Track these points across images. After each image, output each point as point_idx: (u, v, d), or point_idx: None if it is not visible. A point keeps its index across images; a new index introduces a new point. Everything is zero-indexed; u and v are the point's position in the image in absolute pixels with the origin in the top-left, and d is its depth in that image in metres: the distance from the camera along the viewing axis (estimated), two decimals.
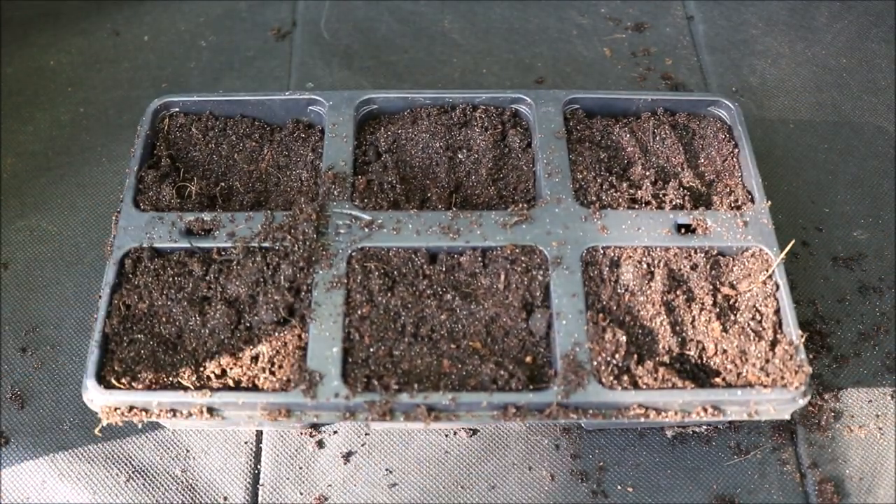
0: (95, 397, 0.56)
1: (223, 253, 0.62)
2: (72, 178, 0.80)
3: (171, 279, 0.61)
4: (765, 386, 0.57)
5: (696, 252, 0.63)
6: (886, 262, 0.74)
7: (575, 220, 0.63)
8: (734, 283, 0.62)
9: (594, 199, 0.66)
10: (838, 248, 0.75)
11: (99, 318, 0.59)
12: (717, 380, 0.58)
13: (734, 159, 0.69)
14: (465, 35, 0.92)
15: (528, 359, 0.59)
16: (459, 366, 0.58)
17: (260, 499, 0.62)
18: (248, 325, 0.60)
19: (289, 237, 0.62)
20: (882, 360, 0.68)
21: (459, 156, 0.70)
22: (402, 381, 0.56)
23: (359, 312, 0.59)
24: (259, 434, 0.65)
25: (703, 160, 0.70)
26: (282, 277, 0.60)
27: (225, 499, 0.62)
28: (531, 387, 0.57)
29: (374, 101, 0.72)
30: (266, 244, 0.62)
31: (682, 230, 0.64)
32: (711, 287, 0.62)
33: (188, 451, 0.64)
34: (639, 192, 0.66)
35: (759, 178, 0.66)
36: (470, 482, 0.62)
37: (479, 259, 0.62)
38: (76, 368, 0.68)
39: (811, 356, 0.67)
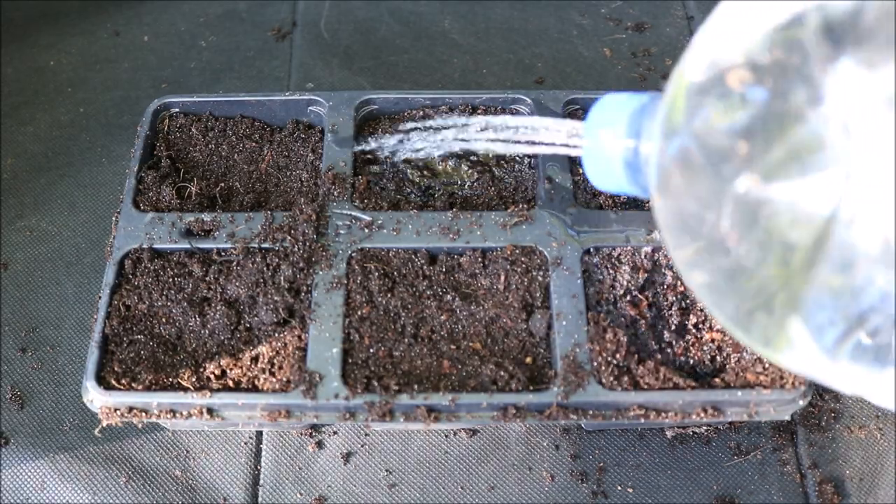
0: (95, 398, 0.56)
1: (223, 253, 0.62)
2: (72, 178, 0.80)
3: (170, 280, 0.61)
4: (765, 387, 0.57)
5: None
6: None
7: (575, 221, 0.63)
8: None
9: (594, 200, 0.66)
10: None
11: (98, 319, 0.59)
12: (717, 380, 0.58)
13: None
14: (465, 35, 0.92)
15: (528, 359, 0.59)
16: (459, 367, 0.58)
17: (260, 499, 0.62)
18: (248, 325, 0.60)
19: (289, 238, 0.62)
20: None
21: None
22: (402, 381, 0.56)
23: (359, 313, 0.59)
24: (259, 435, 0.65)
25: None
26: (282, 278, 0.60)
27: (225, 499, 0.62)
28: (531, 388, 0.57)
29: (373, 102, 0.72)
30: (266, 245, 0.62)
31: None
32: None
33: (188, 451, 0.64)
34: None
35: None
36: (470, 483, 0.62)
37: (479, 260, 0.62)
38: (76, 369, 0.68)
39: None
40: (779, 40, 0.36)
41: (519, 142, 0.55)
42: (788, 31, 0.36)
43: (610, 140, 0.44)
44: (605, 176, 0.46)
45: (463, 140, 0.59)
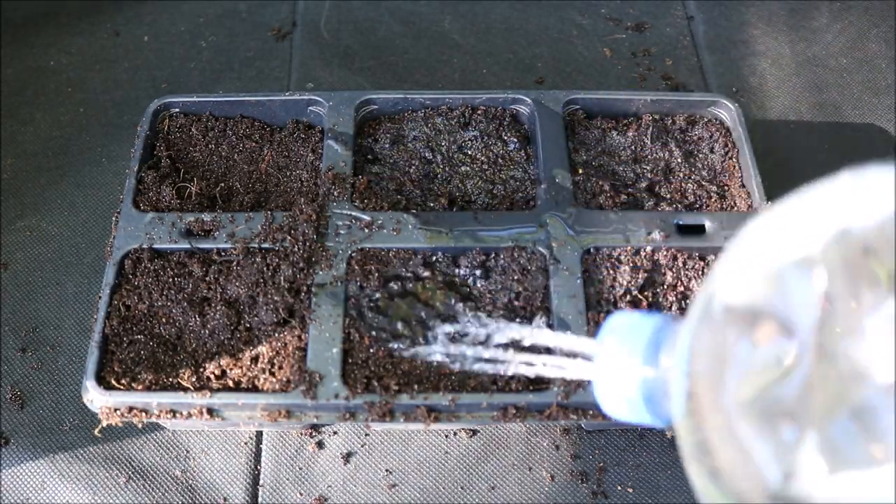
0: (95, 398, 0.56)
1: (223, 253, 0.62)
2: (72, 178, 0.80)
3: (170, 280, 0.61)
4: None
5: (695, 253, 0.63)
6: None
7: (575, 221, 0.63)
8: None
9: (594, 200, 0.66)
10: None
11: (99, 319, 0.59)
12: None
13: (734, 160, 0.69)
14: (465, 35, 0.92)
15: None
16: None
17: (260, 499, 0.62)
18: (248, 325, 0.60)
19: (289, 238, 0.62)
20: None
21: (459, 156, 0.69)
22: (402, 381, 0.56)
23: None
24: (259, 435, 0.65)
25: (702, 161, 0.70)
26: (282, 278, 0.60)
27: (225, 499, 0.62)
28: (531, 388, 0.57)
29: (373, 102, 0.72)
30: (266, 245, 0.62)
31: (682, 231, 0.64)
32: None
33: (188, 451, 0.64)
34: (638, 193, 0.67)
35: (759, 179, 0.66)
36: (470, 483, 0.62)
37: (479, 260, 0.62)
38: (76, 369, 0.68)
39: None
40: (809, 280, 0.31)
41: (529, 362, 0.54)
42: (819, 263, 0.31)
43: (624, 369, 0.41)
44: (618, 404, 0.44)
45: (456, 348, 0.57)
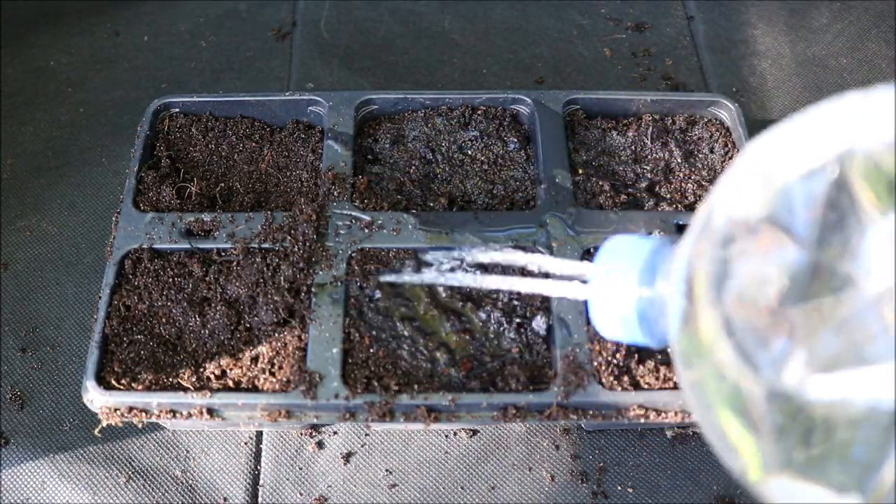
0: (95, 398, 0.56)
1: (223, 253, 0.62)
2: (72, 178, 0.80)
3: (170, 280, 0.61)
4: None
5: None
6: None
7: (575, 221, 0.63)
8: None
9: (594, 200, 0.66)
10: None
11: (98, 319, 0.59)
12: None
13: (734, 160, 0.69)
14: (465, 35, 0.92)
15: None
16: None
17: (260, 499, 0.62)
18: (248, 325, 0.60)
19: (289, 238, 0.62)
20: None
21: (459, 156, 0.70)
22: (402, 381, 0.56)
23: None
24: (259, 435, 0.65)
25: (702, 161, 0.70)
26: (282, 278, 0.60)
27: (225, 499, 0.62)
28: (531, 388, 0.57)
29: (373, 102, 0.72)
30: (266, 245, 0.62)
31: (682, 231, 0.64)
32: None
33: (188, 451, 0.64)
34: (638, 193, 0.67)
35: None
36: (470, 483, 0.62)
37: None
38: (76, 369, 0.68)
39: None
40: (813, 194, 0.32)
41: (528, 273, 0.54)
42: (824, 180, 0.32)
43: (620, 288, 0.41)
44: (613, 324, 0.43)
45: (464, 270, 0.58)
